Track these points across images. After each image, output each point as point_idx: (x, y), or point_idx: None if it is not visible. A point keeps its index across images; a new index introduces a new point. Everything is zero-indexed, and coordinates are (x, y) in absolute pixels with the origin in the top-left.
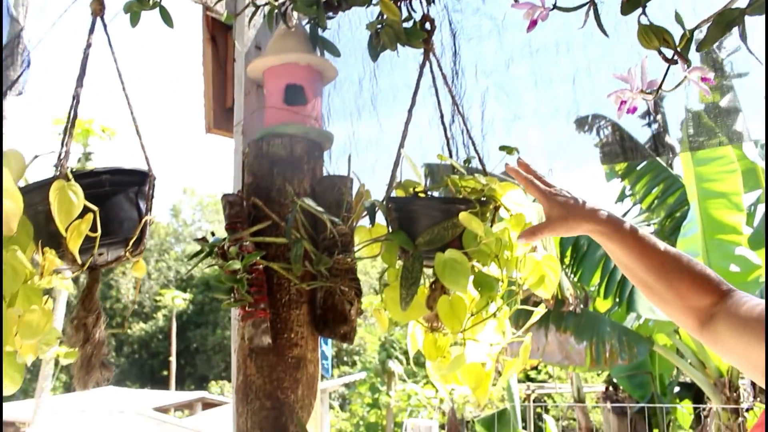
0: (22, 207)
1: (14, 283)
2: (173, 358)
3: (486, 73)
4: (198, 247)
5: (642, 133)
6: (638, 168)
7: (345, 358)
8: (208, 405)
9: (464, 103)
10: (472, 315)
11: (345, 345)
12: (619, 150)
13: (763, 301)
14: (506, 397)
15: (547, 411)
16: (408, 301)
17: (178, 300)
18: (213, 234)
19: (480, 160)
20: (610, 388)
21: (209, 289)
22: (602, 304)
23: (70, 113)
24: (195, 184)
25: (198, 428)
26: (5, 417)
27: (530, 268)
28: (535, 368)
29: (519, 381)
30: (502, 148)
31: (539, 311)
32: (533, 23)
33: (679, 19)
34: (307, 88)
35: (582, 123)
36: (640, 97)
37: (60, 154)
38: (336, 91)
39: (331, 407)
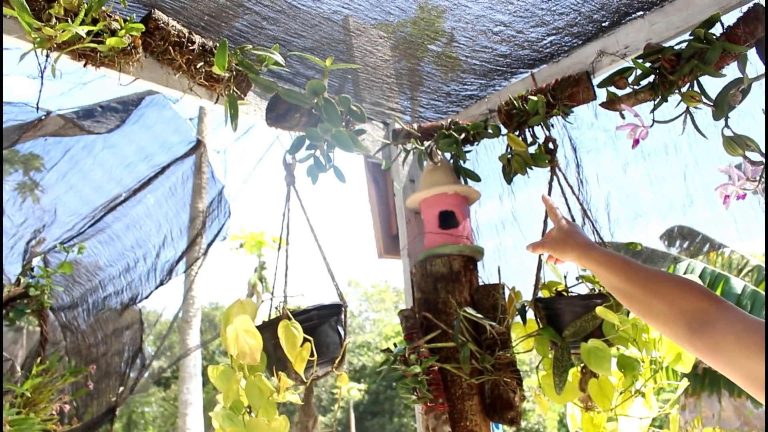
0: (262, 342)
1: (261, 399)
2: None
3: (606, 179)
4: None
5: None
6: None
7: None
8: None
9: (591, 207)
10: (620, 393)
11: (524, 424)
12: None
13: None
14: None
15: None
16: (561, 387)
17: (353, 391)
18: (396, 345)
19: None
20: None
21: (382, 378)
22: None
23: (282, 265)
24: (359, 276)
25: None
26: None
27: (667, 346)
28: None
29: None
30: (627, 245)
31: (682, 385)
32: (636, 142)
33: None
34: (457, 212)
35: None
36: (743, 187)
37: (283, 300)
38: (481, 209)
39: None
